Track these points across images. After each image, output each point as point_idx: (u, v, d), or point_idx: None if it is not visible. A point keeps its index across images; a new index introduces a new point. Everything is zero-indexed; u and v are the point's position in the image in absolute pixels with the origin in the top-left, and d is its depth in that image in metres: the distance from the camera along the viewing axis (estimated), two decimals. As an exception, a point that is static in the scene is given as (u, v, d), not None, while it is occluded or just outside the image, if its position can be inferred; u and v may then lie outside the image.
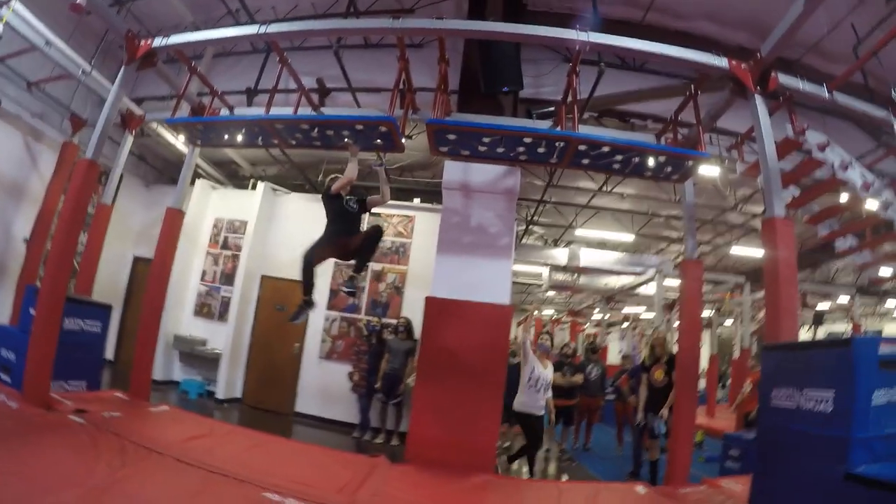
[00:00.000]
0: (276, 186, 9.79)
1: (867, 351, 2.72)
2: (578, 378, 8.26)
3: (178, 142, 8.69)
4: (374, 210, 8.40)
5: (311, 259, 4.61)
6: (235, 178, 11.21)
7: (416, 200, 9.48)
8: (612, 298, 16.27)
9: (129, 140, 7.05)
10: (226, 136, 5.56)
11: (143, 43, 5.40)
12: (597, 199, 11.61)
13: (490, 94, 6.18)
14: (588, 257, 12.74)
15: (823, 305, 16.38)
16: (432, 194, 9.47)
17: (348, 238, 4.78)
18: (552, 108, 6.32)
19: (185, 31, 5.83)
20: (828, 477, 2.63)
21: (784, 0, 4.24)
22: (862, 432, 2.60)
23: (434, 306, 5.68)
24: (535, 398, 5.98)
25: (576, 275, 14.04)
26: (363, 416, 7.71)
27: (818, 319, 16.13)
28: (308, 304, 4.70)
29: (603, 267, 12.83)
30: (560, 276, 14.08)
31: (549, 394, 6.19)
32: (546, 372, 6.10)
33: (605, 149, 4.66)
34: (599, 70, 5.91)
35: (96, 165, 5.24)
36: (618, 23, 7.07)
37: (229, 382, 8.79)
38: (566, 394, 8.05)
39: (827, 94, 5.05)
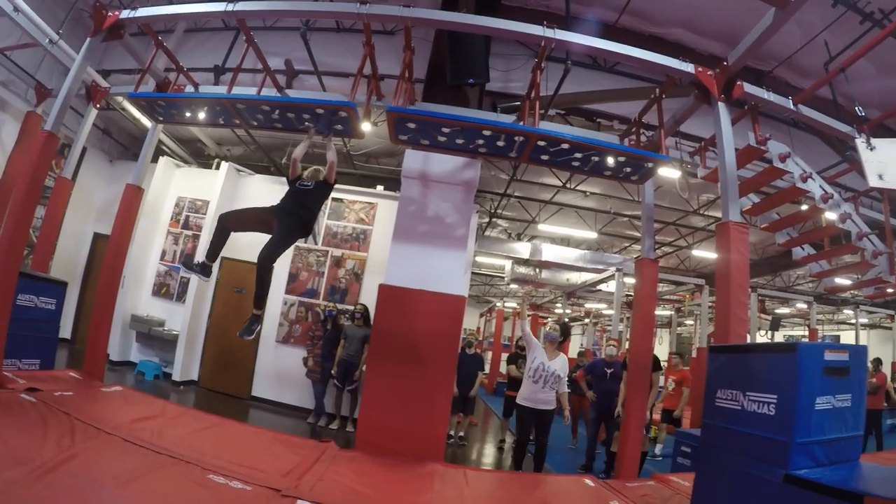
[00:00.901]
0: (240, 167, 9.62)
1: (812, 357, 2.74)
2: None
3: (144, 117, 8.48)
4: (337, 196, 8.51)
5: (227, 224, 4.62)
6: (200, 156, 11.00)
7: (380, 188, 9.41)
8: (573, 294, 16.45)
9: (93, 113, 6.89)
10: (188, 114, 5.45)
11: (110, 14, 5.28)
12: (560, 196, 11.73)
13: (456, 86, 6.20)
14: (551, 253, 12.89)
15: (782, 311, 16.83)
16: (396, 182, 9.37)
17: (283, 217, 4.61)
18: (517, 103, 6.35)
19: (156, 5, 5.73)
20: (768, 478, 2.67)
21: (759, 13, 4.32)
22: (803, 437, 2.64)
23: (387, 294, 5.69)
24: (533, 390, 5.56)
25: (538, 269, 14.20)
26: (318, 402, 7.69)
27: (775, 324, 16.58)
28: (204, 268, 4.74)
29: (565, 263, 12.98)
30: (523, 270, 14.23)
31: (563, 388, 5.67)
32: (552, 364, 5.56)
33: (565, 146, 4.69)
34: (565, 68, 5.97)
35: (55, 138, 5.14)
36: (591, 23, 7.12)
37: (186, 365, 8.65)
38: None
39: (792, 106, 5.15)
